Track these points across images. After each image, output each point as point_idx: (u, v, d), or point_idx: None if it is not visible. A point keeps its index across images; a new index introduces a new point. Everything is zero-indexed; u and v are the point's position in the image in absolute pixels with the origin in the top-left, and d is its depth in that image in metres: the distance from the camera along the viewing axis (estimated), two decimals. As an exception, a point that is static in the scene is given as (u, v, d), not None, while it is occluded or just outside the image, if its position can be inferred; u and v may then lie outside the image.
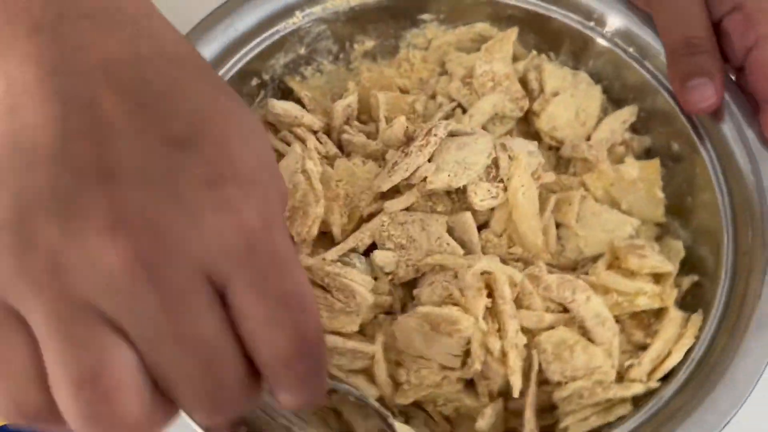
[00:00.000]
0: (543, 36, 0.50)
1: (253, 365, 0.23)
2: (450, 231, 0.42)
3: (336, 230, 0.42)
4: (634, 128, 0.48)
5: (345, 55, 0.51)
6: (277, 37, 0.47)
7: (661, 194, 0.46)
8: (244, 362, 0.23)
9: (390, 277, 0.41)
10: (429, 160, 0.41)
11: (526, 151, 0.43)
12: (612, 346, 0.39)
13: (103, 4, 0.24)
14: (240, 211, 0.22)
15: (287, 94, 0.49)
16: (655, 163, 0.47)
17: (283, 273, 0.22)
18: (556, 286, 0.40)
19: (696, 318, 0.40)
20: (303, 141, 0.45)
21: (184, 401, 0.22)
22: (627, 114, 0.48)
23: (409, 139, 0.43)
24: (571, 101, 0.47)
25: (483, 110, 0.46)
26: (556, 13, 0.49)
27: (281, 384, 0.23)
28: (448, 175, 0.41)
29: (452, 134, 0.42)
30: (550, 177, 0.44)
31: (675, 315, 0.41)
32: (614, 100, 0.49)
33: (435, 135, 0.41)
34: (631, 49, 0.47)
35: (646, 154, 0.49)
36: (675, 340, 0.40)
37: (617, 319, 0.41)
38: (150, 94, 0.23)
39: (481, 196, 0.41)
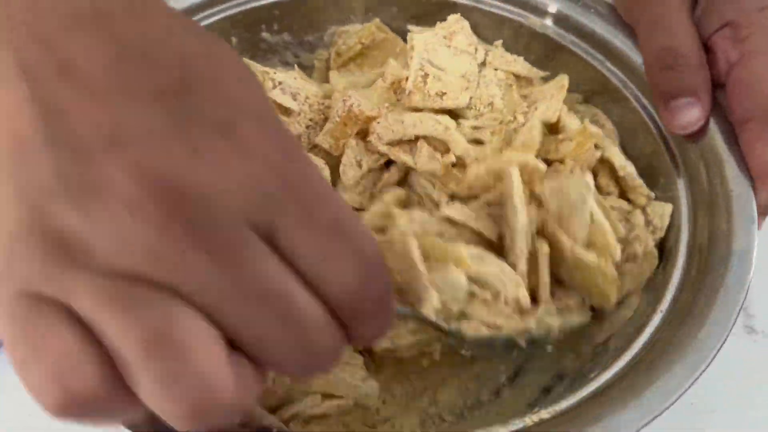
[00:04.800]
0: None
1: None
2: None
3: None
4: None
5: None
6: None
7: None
8: (321, 305, 0.21)
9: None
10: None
11: None
12: None
13: None
14: (263, 151, 0.20)
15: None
16: None
17: (325, 201, 0.21)
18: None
19: None
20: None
21: (272, 358, 0.21)
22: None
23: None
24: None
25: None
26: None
27: (359, 317, 0.22)
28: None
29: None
30: None
31: None
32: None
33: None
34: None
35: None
36: None
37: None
38: (123, 47, 0.21)
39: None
